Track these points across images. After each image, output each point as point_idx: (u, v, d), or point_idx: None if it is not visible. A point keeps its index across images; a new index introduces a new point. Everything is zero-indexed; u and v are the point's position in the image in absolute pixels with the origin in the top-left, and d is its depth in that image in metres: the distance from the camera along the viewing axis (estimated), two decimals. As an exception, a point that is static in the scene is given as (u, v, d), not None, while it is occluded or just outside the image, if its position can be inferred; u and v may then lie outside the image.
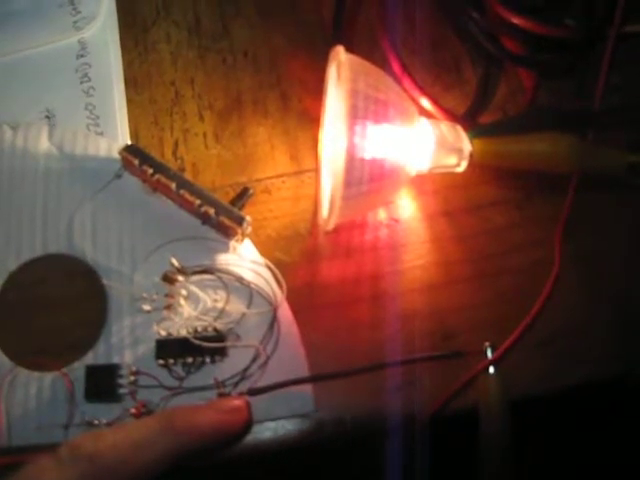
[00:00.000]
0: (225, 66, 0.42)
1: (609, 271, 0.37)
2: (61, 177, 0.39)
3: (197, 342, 0.34)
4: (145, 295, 0.36)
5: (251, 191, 0.38)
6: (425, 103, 0.39)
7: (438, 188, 0.39)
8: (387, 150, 0.33)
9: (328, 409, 0.34)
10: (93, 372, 0.35)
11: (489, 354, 0.35)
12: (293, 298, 0.36)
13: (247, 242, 0.37)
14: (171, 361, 0.34)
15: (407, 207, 0.39)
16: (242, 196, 0.38)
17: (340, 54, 0.34)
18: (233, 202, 0.37)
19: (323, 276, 0.37)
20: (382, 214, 0.38)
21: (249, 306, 0.36)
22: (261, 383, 0.34)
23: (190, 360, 0.34)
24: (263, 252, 0.37)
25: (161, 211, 0.38)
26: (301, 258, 0.38)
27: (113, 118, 0.41)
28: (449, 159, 0.36)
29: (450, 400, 0.34)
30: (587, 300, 0.37)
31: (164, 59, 0.43)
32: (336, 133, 0.32)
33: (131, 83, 0.42)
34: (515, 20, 0.39)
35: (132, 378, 0.34)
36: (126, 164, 0.38)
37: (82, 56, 0.43)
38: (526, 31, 0.39)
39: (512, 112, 0.40)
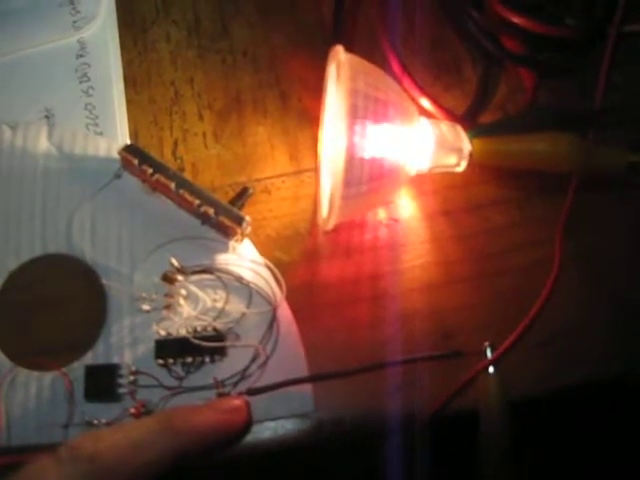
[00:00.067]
0: (225, 66, 0.42)
1: (609, 271, 0.37)
2: (60, 177, 0.39)
3: (196, 342, 0.34)
4: (144, 295, 0.36)
5: (251, 191, 0.38)
6: (425, 103, 0.39)
7: (438, 188, 0.39)
8: (387, 150, 0.33)
9: (327, 409, 0.34)
10: (93, 372, 0.35)
11: (489, 354, 0.35)
12: (293, 298, 0.36)
13: (247, 242, 0.37)
14: (170, 361, 0.34)
15: (407, 207, 0.39)
16: (242, 196, 0.38)
17: (340, 53, 0.34)
18: (233, 202, 0.37)
19: (323, 276, 0.37)
20: (382, 214, 0.38)
21: (248, 306, 0.36)
22: (260, 383, 0.34)
23: (189, 360, 0.34)
24: (263, 252, 0.37)
25: (160, 211, 0.38)
26: (301, 258, 0.37)
27: (112, 118, 0.41)
28: (449, 159, 0.36)
29: (450, 400, 0.34)
30: (587, 300, 0.37)
31: (163, 59, 0.43)
32: (336, 132, 0.32)
33: (130, 83, 0.42)
34: (515, 19, 0.39)
35: (132, 378, 0.34)
36: (125, 164, 0.38)
37: (81, 56, 0.43)
38: (526, 30, 0.39)
39: (512, 112, 0.40)
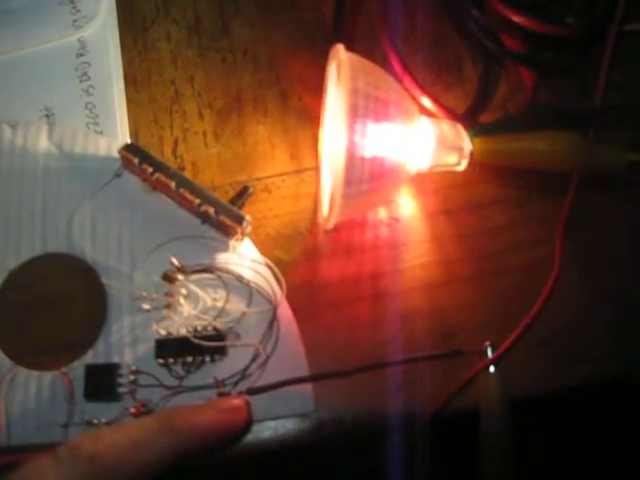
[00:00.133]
0: (225, 65, 0.42)
1: (610, 270, 0.37)
2: (60, 176, 0.39)
3: (197, 341, 0.34)
4: (145, 294, 0.36)
5: (251, 190, 0.38)
6: (425, 102, 0.39)
7: (438, 187, 0.39)
8: (387, 149, 0.33)
9: (328, 408, 0.34)
10: (93, 371, 0.35)
11: (489, 353, 0.35)
12: (293, 297, 0.36)
13: (247, 241, 0.37)
14: (171, 360, 0.34)
15: (407, 206, 0.39)
16: (242, 195, 0.38)
17: (340, 52, 0.34)
18: (233, 201, 0.37)
19: (323, 275, 0.37)
20: (382, 213, 0.38)
21: (249, 305, 0.36)
22: (261, 382, 0.34)
23: (190, 359, 0.34)
24: (263, 251, 0.37)
25: (161, 210, 0.38)
26: (301, 257, 0.37)
27: (113, 117, 0.41)
28: (449, 158, 0.36)
29: (450, 399, 0.34)
30: (587, 299, 0.37)
31: (164, 58, 0.43)
32: (336, 132, 0.32)
33: (131, 82, 0.42)
34: (515, 18, 0.39)
35: (132, 377, 0.34)
36: (126, 163, 0.38)
37: (82, 55, 0.43)
38: (526, 29, 0.39)
39: (513, 111, 0.40)
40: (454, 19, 0.42)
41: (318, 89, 0.38)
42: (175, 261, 0.35)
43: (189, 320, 0.35)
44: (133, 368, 0.34)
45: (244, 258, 0.37)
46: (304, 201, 0.39)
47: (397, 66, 0.40)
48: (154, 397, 0.34)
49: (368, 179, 0.33)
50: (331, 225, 0.35)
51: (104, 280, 0.36)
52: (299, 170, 0.40)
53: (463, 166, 0.36)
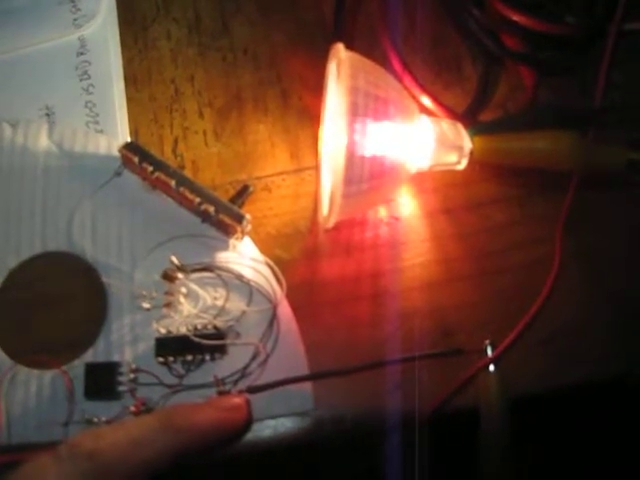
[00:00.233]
0: (225, 63, 0.42)
1: (610, 269, 0.37)
2: (61, 175, 0.39)
3: (197, 340, 0.34)
4: (145, 293, 0.36)
5: (251, 189, 0.38)
6: (425, 100, 0.39)
7: (438, 186, 0.39)
8: (387, 148, 0.33)
9: (328, 407, 0.34)
10: (93, 370, 0.35)
11: (489, 352, 0.35)
12: (293, 296, 0.36)
13: (247, 240, 0.37)
14: (171, 359, 0.34)
15: (407, 205, 0.39)
16: (242, 194, 0.38)
17: (340, 51, 0.34)
18: (233, 200, 0.37)
19: (323, 274, 0.37)
20: (382, 212, 0.38)
21: (249, 304, 0.36)
22: (261, 381, 0.34)
23: (190, 358, 0.34)
24: (263, 250, 0.37)
25: (161, 209, 0.38)
26: (301, 256, 0.37)
27: (113, 116, 0.41)
28: (449, 157, 0.36)
29: (450, 398, 0.34)
30: (587, 299, 0.37)
31: (164, 56, 0.43)
32: (336, 130, 0.32)
33: (131, 81, 0.42)
34: (515, 17, 0.39)
35: (132, 376, 0.34)
36: (126, 162, 0.38)
37: (82, 54, 0.43)
38: (526, 28, 0.39)
39: (513, 110, 0.40)
40: (454, 18, 0.42)
41: (318, 88, 0.38)
42: (175, 260, 0.35)
43: (189, 319, 0.35)
44: (133, 367, 0.34)
45: (244, 257, 0.37)
46: (304, 200, 0.39)
47: (397, 65, 0.40)
48: (154, 395, 0.34)
49: (368, 178, 0.33)
50: (331, 224, 0.35)
51: (104, 279, 0.36)
52: (299, 169, 0.40)
53: (463, 165, 0.36)
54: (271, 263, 0.36)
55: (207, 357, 0.34)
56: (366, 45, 0.41)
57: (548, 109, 0.40)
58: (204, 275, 0.36)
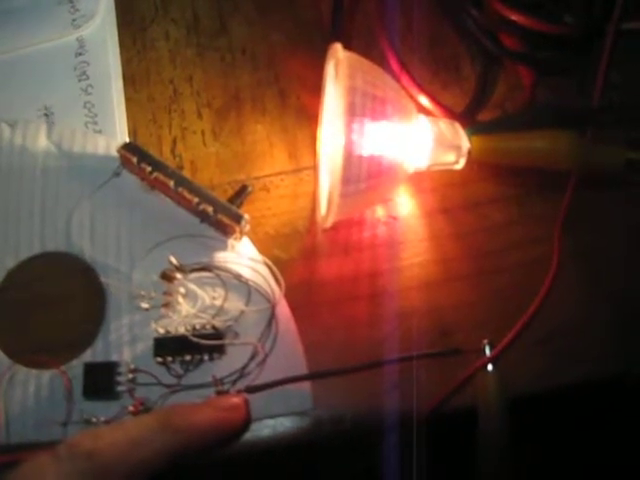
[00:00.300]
0: (223, 64, 0.42)
1: (608, 269, 0.37)
2: (59, 175, 0.39)
3: (195, 340, 0.34)
4: (143, 293, 0.36)
5: (249, 189, 0.38)
6: (423, 100, 0.39)
7: (436, 185, 0.39)
8: (385, 147, 0.33)
9: (326, 407, 0.34)
10: (91, 370, 0.35)
11: (487, 352, 0.35)
12: (291, 296, 0.36)
13: (245, 240, 0.37)
14: (169, 359, 0.34)
15: (405, 204, 0.39)
16: (240, 194, 0.38)
17: (338, 51, 0.34)
18: (231, 200, 0.37)
19: (321, 274, 0.37)
20: (380, 211, 0.38)
21: (247, 304, 0.36)
22: (259, 381, 0.34)
23: (188, 358, 0.34)
24: (261, 250, 0.37)
25: (159, 209, 0.38)
26: (299, 255, 0.37)
27: (111, 116, 0.41)
28: (447, 156, 0.36)
29: (448, 398, 0.34)
30: (586, 298, 0.37)
31: (162, 57, 0.43)
32: (334, 130, 0.32)
33: (129, 81, 0.42)
34: (514, 17, 0.39)
35: (130, 376, 0.34)
36: (124, 162, 0.38)
37: (80, 54, 0.43)
38: (525, 28, 0.39)
39: (511, 109, 0.40)
40: (452, 18, 0.42)
41: (316, 88, 0.38)
42: (174, 260, 0.35)
43: (188, 319, 0.35)
44: (132, 366, 0.34)
45: (242, 257, 0.37)
46: (302, 200, 0.39)
47: (395, 65, 0.40)
48: (153, 395, 0.34)
49: (366, 177, 0.33)
50: (329, 224, 0.35)
51: (103, 279, 0.36)
52: (297, 169, 0.40)
53: (461, 165, 0.36)
54: (269, 263, 0.36)
55: (206, 357, 0.34)
56: (364, 45, 0.41)
57: (546, 109, 0.40)
58: (203, 275, 0.36)
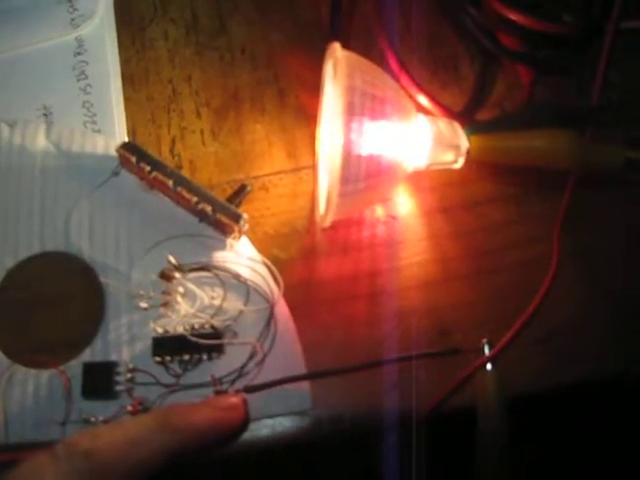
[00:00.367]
0: (222, 63, 0.42)
1: (607, 269, 0.37)
2: (58, 175, 0.39)
3: (194, 339, 0.34)
4: (142, 292, 0.36)
5: (248, 188, 0.38)
6: (422, 100, 0.39)
7: (435, 185, 0.39)
8: (384, 147, 0.33)
9: (325, 406, 0.34)
10: (90, 369, 0.35)
11: (486, 351, 0.35)
12: (290, 295, 0.36)
13: (244, 239, 0.37)
14: (168, 358, 0.34)
15: (404, 204, 0.39)
16: (239, 193, 0.38)
17: (337, 51, 0.34)
18: (230, 199, 0.37)
19: (320, 273, 0.37)
20: (379, 211, 0.38)
21: (246, 303, 0.36)
22: (258, 380, 0.34)
23: (187, 357, 0.34)
24: (260, 249, 0.37)
25: (158, 208, 0.38)
26: (298, 255, 0.37)
27: (110, 115, 0.41)
28: (446, 156, 0.36)
29: (447, 397, 0.34)
30: (585, 297, 0.37)
31: (161, 56, 0.43)
32: (333, 130, 0.32)
33: (128, 81, 0.42)
34: (512, 16, 0.39)
35: (129, 375, 0.34)
36: (123, 161, 0.38)
37: (79, 54, 0.43)
38: (524, 27, 0.39)
39: (510, 109, 0.40)
40: (451, 17, 0.42)
41: (315, 87, 0.38)
42: (172, 259, 0.35)
43: (186, 318, 0.35)
44: (130, 366, 0.34)
45: (241, 256, 0.37)
46: (301, 199, 0.39)
47: (394, 64, 0.40)
48: (151, 395, 0.34)
49: (365, 177, 0.33)
50: (328, 223, 0.35)
51: (102, 279, 0.36)
52: (296, 168, 0.40)
53: (460, 164, 0.36)
54: (268, 262, 0.36)
55: (204, 356, 0.34)
56: (363, 44, 0.41)
57: (545, 108, 0.40)
58: (201, 275, 0.36)
